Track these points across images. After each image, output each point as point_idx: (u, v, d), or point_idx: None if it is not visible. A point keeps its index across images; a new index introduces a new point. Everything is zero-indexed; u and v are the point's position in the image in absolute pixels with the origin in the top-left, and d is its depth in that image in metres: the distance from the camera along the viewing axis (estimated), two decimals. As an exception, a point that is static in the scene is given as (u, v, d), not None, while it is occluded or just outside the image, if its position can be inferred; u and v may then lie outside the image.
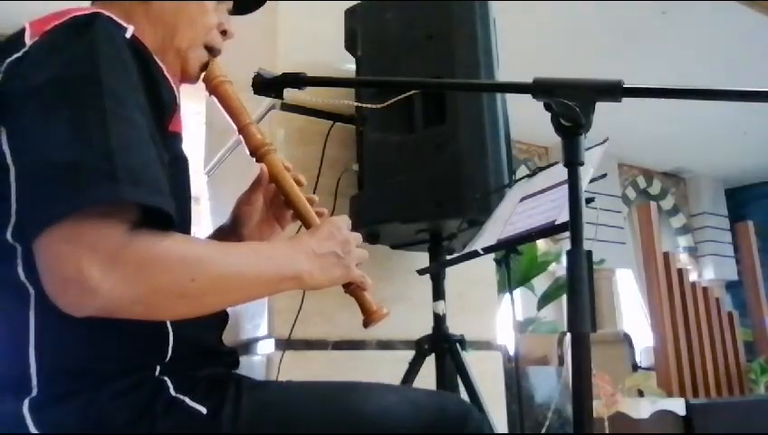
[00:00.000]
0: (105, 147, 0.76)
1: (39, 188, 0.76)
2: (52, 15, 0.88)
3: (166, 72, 0.92)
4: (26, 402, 0.82)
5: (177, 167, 0.96)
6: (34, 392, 0.82)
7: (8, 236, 0.83)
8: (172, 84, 0.93)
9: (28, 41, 0.85)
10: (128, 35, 0.88)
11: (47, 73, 0.80)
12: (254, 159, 1.11)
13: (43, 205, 0.75)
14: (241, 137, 1.12)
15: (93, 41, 0.82)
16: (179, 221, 0.84)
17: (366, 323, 1.06)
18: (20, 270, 0.83)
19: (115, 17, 0.88)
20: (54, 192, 0.75)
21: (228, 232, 1.16)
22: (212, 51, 1.08)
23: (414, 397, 1.02)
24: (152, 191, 0.79)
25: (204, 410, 0.86)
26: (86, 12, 0.87)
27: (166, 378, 0.88)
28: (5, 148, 0.82)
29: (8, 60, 0.84)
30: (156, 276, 0.78)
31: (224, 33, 1.10)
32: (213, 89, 1.10)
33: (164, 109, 0.90)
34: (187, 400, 0.86)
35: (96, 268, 0.73)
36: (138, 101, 0.83)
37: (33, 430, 0.81)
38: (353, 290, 1.05)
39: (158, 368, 0.88)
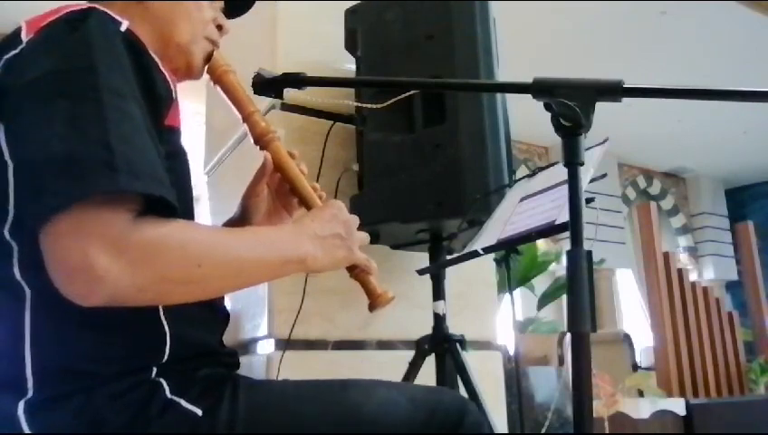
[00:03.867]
0: (103, 138, 0.76)
1: (38, 180, 0.76)
2: (48, 13, 0.88)
3: (161, 67, 0.92)
4: (21, 404, 0.81)
5: (176, 161, 0.95)
6: (30, 394, 0.82)
7: (6, 233, 0.83)
8: (168, 79, 0.93)
9: (24, 38, 0.86)
10: (122, 29, 0.87)
11: (43, 68, 0.81)
12: (259, 148, 1.12)
13: (44, 197, 0.75)
14: (245, 126, 1.12)
15: (88, 34, 0.82)
16: (181, 214, 0.84)
17: (371, 307, 1.05)
18: (16, 269, 0.83)
19: (111, 13, 0.88)
20: (54, 184, 0.75)
21: (237, 224, 1.16)
22: (211, 44, 1.09)
23: (411, 393, 1.02)
24: (152, 181, 0.79)
25: (199, 412, 0.86)
26: (81, 7, 0.87)
27: (161, 380, 0.87)
28: (3, 144, 0.82)
29: (5, 57, 0.85)
30: (162, 263, 0.78)
31: (219, 27, 1.10)
32: (217, 78, 1.10)
33: (159, 103, 0.89)
34: (183, 402, 0.86)
35: (103, 256, 0.74)
36: (133, 93, 0.83)
37: (27, 431, 0.81)
38: (358, 274, 1.05)
39: (155, 369, 0.88)
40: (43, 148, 0.77)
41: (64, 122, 0.77)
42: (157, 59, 0.91)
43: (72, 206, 0.74)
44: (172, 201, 0.81)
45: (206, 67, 1.09)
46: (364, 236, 1.04)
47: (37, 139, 0.78)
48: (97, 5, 0.89)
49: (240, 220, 1.16)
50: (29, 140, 0.79)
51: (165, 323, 0.89)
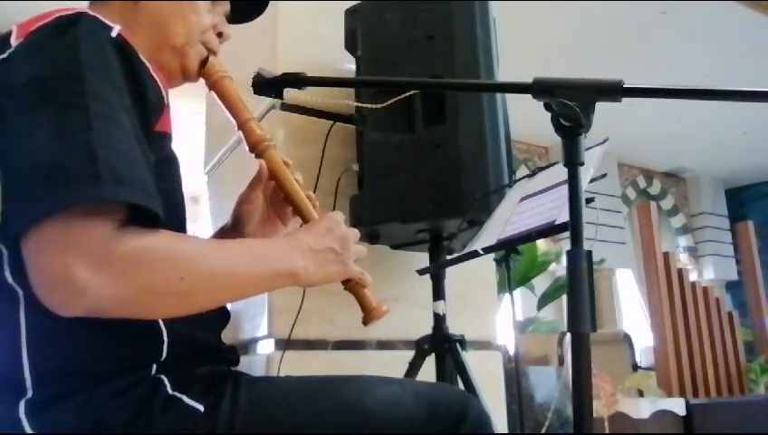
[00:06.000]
0: (88, 146, 0.76)
1: (21, 188, 0.76)
2: (38, 17, 0.87)
3: (153, 72, 0.91)
4: (22, 404, 0.81)
5: (167, 167, 0.95)
6: (30, 394, 0.82)
7: None
8: (160, 84, 0.92)
9: (14, 42, 0.85)
10: (113, 34, 0.86)
11: (30, 73, 0.80)
12: (254, 155, 1.11)
13: (27, 205, 0.75)
14: (241, 133, 1.12)
15: (76, 40, 0.82)
16: (172, 220, 0.83)
17: (365, 321, 1.04)
18: (7, 273, 0.83)
19: (103, 18, 0.88)
20: (37, 192, 0.74)
21: (230, 232, 1.15)
22: (209, 51, 1.08)
23: (414, 388, 1.01)
24: (136, 190, 0.78)
25: (201, 408, 0.86)
26: (71, 12, 0.86)
27: (163, 376, 0.87)
28: None
29: None
30: (144, 275, 0.77)
31: (220, 35, 1.10)
32: (213, 84, 1.09)
33: (150, 109, 0.88)
34: (185, 398, 0.86)
35: (84, 268, 0.73)
36: (122, 100, 0.82)
37: (29, 431, 0.81)
38: (352, 287, 1.04)
39: (155, 367, 0.88)
40: (28, 156, 0.76)
41: (49, 130, 0.76)
42: (149, 64, 0.90)
43: (54, 216, 0.73)
44: (157, 211, 0.80)
45: (203, 72, 1.08)
46: (361, 250, 1.02)
47: (22, 146, 0.77)
48: (89, 10, 0.88)
49: (233, 228, 1.15)
50: (14, 147, 0.78)
51: (161, 321, 0.89)
